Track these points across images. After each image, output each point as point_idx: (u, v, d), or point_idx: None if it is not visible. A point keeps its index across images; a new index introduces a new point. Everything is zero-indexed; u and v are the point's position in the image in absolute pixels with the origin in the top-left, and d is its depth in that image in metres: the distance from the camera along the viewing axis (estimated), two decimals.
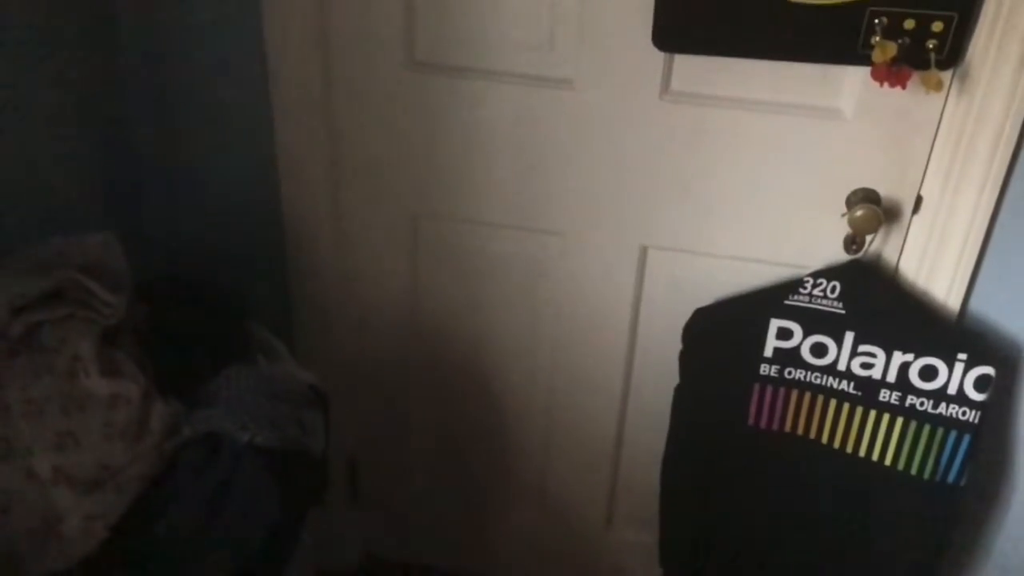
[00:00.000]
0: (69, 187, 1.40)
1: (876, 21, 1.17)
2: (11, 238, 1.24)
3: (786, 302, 1.35)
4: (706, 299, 1.43)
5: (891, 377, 1.34)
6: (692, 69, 1.30)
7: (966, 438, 1.32)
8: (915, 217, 1.32)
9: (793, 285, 1.35)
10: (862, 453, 1.39)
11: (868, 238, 1.32)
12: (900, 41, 1.17)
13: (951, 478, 1.34)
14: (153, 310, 1.26)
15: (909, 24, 1.16)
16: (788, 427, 1.42)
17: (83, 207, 1.44)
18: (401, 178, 1.48)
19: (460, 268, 1.55)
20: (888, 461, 1.38)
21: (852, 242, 1.33)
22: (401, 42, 1.37)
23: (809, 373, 1.38)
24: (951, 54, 1.17)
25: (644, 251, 1.46)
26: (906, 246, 1.34)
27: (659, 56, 1.29)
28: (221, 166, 1.52)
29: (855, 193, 1.32)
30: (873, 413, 1.37)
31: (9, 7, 1.24)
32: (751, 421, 1.43)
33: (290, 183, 1.50)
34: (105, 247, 1.16)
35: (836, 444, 1.41)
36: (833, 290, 1.33)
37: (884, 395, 1.35)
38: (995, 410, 1.33)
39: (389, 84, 1.40)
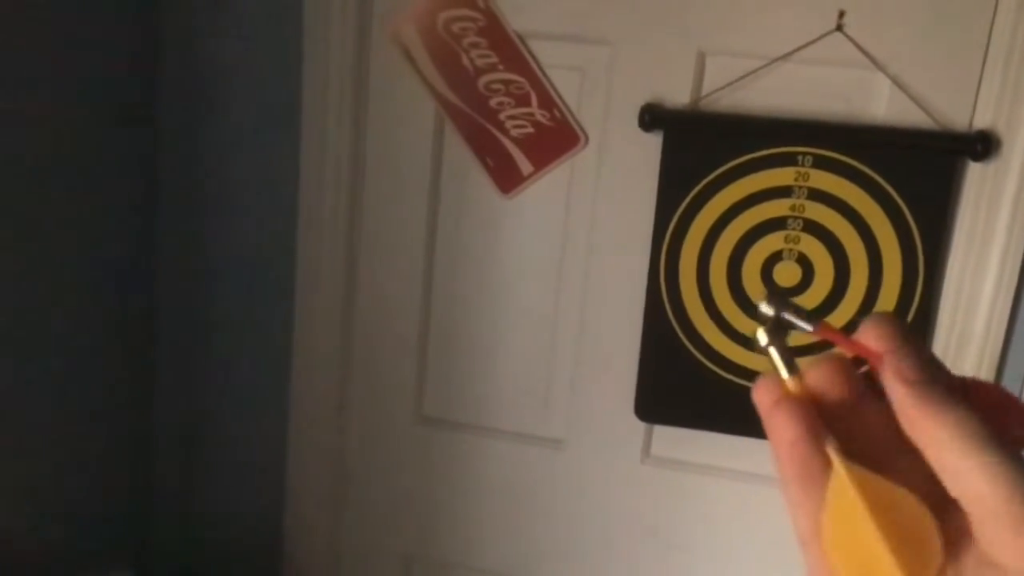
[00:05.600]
0: (93, 528, 1.49)
1: None
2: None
3: None
4: None
5: None
6: (670, 437, 1.47)
7: None
8: None
9: None
10: None
11: None
12: None
13: None
14: None
15: None
16: None
17: (102, 541, 1.51)
18: (399, 521, 1.59)
19: None
20: None
21: None
22: (412, 399, 1.54)
23: None
24: None
25: None
26: None
27: (641, 425, 1.46)
28: (232, 508, 1.62)
29: None
30: None
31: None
32: None
33: (294, 524, 1.59)
34: None
35: None
36: None
37: None
38: None
39: (398, 435, 1.55)
